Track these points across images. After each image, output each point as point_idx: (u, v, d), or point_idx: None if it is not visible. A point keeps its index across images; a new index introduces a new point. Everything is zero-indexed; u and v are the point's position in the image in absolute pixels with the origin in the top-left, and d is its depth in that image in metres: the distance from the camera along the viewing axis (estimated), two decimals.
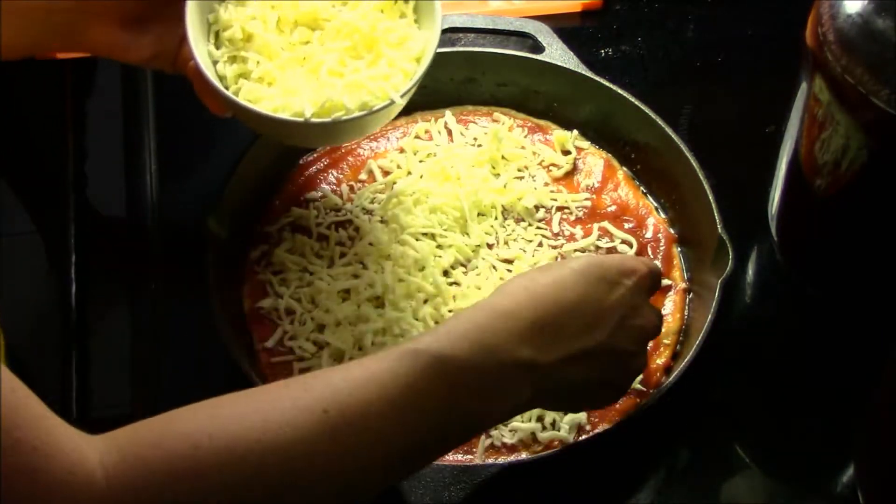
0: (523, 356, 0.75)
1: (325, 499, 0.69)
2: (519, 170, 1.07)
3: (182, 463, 0.65)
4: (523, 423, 0.91)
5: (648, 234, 1.04)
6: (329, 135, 0.92)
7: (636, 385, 0.93)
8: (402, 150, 1.08)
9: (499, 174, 1.07)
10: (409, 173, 1.06)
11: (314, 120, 0.87)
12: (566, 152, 1.09)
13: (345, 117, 0.87)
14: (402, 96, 0.89)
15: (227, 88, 0.89)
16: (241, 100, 0.88)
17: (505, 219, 1.04)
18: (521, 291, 0.78)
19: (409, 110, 1.11)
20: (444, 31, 1.12)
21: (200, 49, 0.89)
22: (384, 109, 0.89)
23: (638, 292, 0.82)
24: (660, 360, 0.96)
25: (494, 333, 0.75)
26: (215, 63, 0.91)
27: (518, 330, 0.75)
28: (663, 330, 0.97)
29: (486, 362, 0.74)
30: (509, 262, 1.01)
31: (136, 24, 0.91)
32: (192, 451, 0.65)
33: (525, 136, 1.10)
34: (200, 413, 0.68)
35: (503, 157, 1.07)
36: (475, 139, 1.09)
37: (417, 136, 1.10)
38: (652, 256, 1.03)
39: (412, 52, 0.91)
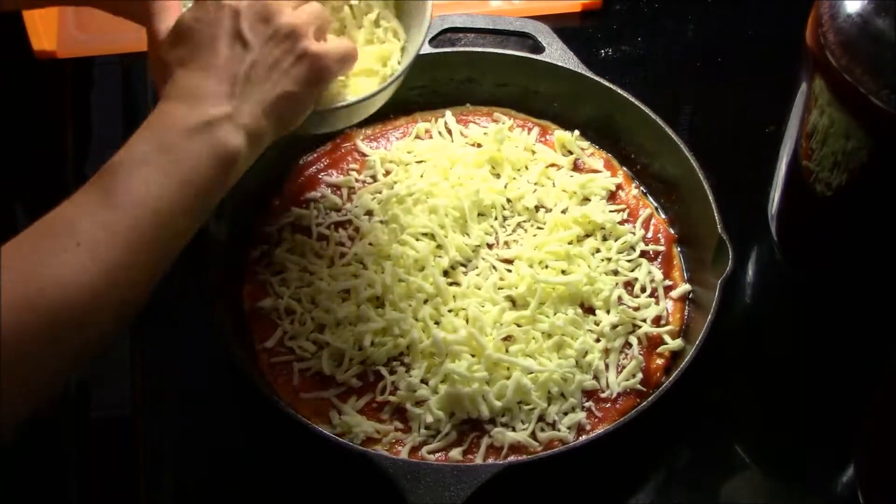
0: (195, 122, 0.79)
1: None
2: (518, 170, 1.07)
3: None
4: (523, 424, 0.91)
5: (648, 234, 1.04)
6: (319, 122, 0.93)
7: (637, 386, 0.94)
8: (402, 150, 1.08)
9: (499, 175, 1.07)
10: (409, 173, 1.06)
11: None
12: (568, 152, 1.09)
13: (335, 105, 0.89)
14: (390, 83, 0.89)
15: None
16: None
17: (505, 219, 1.04)
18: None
19: (409, 110, 1.12)
20: (444, 31, 1.12)
21: None
22: (371, 98, 0.90)
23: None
24: (660, 361, 0.96)
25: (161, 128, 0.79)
26: None
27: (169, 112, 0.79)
28: (663, 330, 0.97)
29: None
30: (509, 262, 1.01)
31: None
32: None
33: (527, 136, 1.10)
34: None
35: (506, 159, 1.07)
36: (475, 139, 1.09)
37: (417, 136, 1.10)
38: (652, 256, 1.03)
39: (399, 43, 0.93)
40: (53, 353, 0.72)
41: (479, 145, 1.08)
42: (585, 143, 1.10)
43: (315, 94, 0.86)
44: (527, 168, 1.07)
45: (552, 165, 1.08)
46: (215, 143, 0.79)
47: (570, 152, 1.09)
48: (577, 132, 1.09)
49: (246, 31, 0.82)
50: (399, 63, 0.93)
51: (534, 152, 1.09)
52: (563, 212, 1.04)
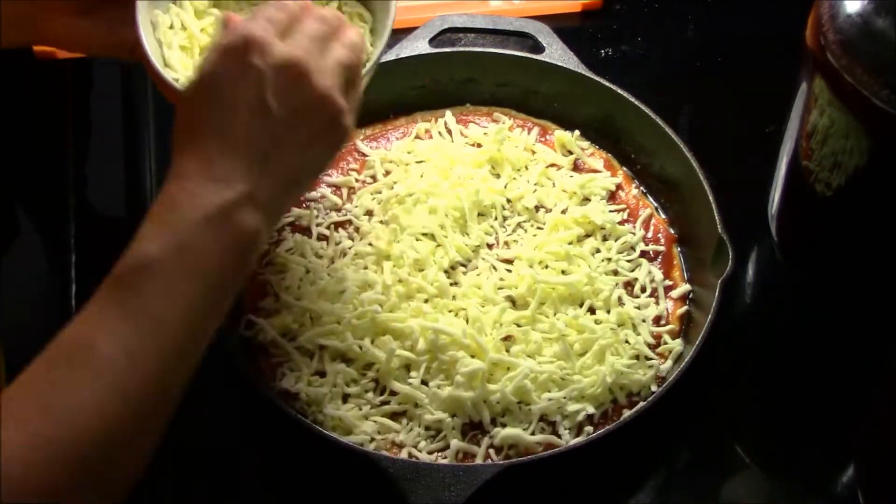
0: (214, 207, 0.73)
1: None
2: (518, 170, 1.07)
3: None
4: (523, 424, 0.91)
5: (648, 234, 1.04)
6: None
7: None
8: (402, 150, 1.08)
9: (499, 174, 1.06)
10: (409, 174, 1.06)
11: None
12: (568, 152, 1.09)
13: None
14: (369, 69, 0.88)
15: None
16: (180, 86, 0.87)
17: (505, 219, 1.04)
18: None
19: (409, 110, 1.12)
20: (444, 31, 1.12)
21: (150, 40, 0.90)
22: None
23: (264, 54, 0.75)
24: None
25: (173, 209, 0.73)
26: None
27: (191, 191, 0.73)
28: (663, 330, 0.97)
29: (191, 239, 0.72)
30: (509, 262, 1.01)
31: (93, 12, 0.91)
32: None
33: (527, 136, 1.09)
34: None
35: (506, 159, 1.07)
36: (475, 139, 1.09)
37: (417, 136, 1.10)
38: (652, 256, 1.03)
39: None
40: (73, 497, 0.66)
41: (479, 145, 1.08)
42: (586, 143, 1.10)
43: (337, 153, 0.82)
44: (527, 168, 1.07)
45: (552, 165, 1.08)
46: (234, 232, 0.73)
47: (570, 152, 1.09)
48: (577, 132, 1.09)
49: (271, 100, 0.75)
50: (372, 45, 0.93)
51: (534, 152, 1.09)
52: (563, 212, 1.04)
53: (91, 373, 0.68)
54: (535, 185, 1.06)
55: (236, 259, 0.74)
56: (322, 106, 0.78)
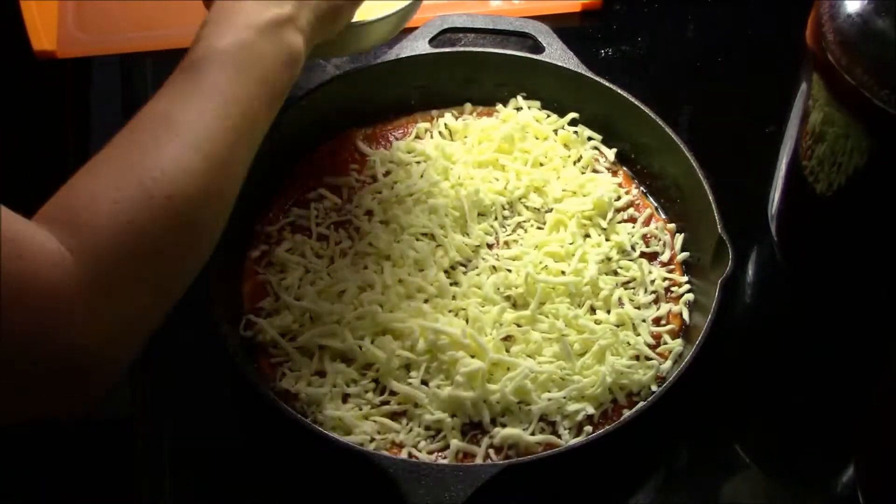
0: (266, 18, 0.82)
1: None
2: (525, 162, 1.07)
3: (122, 218, 0.71)
4: (523, 424, 0.91)
5: (648, 234, 1.04)
6: (352, 40, 0.97)
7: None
8: (402, 150, 1.08)
9: (502, 171, 1.06)
10: (409, 173, 1.06)
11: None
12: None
13: (369, 19, 0.95)
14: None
15: None
16: None
17: (505, 219, 1.04)
18: None
19: (409, 110, 1.12)
20: (444, 31, 1.12)
21: None
22: (404, 10, 0.97)
23: None
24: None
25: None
26: None
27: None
28: (663, 330, 0.97)
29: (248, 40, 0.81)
30: (509, 261, 1.01)
31: None
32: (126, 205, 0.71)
33: (545, 118, 1.10)
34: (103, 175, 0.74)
35: (521, 151, 1.07)
36: (476, 139, 1.09)
37: (417, 136, 1.10)
38: (652, 256, 1.03)
39: None
40: (173, 253, 0.74)
41: (480, 144, 1.08)
42: (589, 143, 1.10)
43: (356, 6, 0.92)
44: (541, 165, 1.07)
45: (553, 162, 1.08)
46: (283, 44, 0.83)
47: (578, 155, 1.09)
48: (580, 127, 1.09)
49: None
50: None
51: (546, 138, 1.08)
52: (564, 211, 1.04)
53: (172, 135, 0.75)
54: (536, 184, 1.06)
55: (284, 70, 0.83)
56: None
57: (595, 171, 1.08)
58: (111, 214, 0.71)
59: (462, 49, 1.15)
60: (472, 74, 1.12)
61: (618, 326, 0.97)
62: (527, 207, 1.05)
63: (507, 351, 0.95)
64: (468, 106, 1.12)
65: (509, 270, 1.00)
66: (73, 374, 0.69)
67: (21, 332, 0.66)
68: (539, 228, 1.04)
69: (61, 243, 0.69)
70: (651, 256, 1.03)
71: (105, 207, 0.71)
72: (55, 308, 0.68)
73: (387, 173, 1.07)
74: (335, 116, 1.08)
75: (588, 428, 0.92)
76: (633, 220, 1.05)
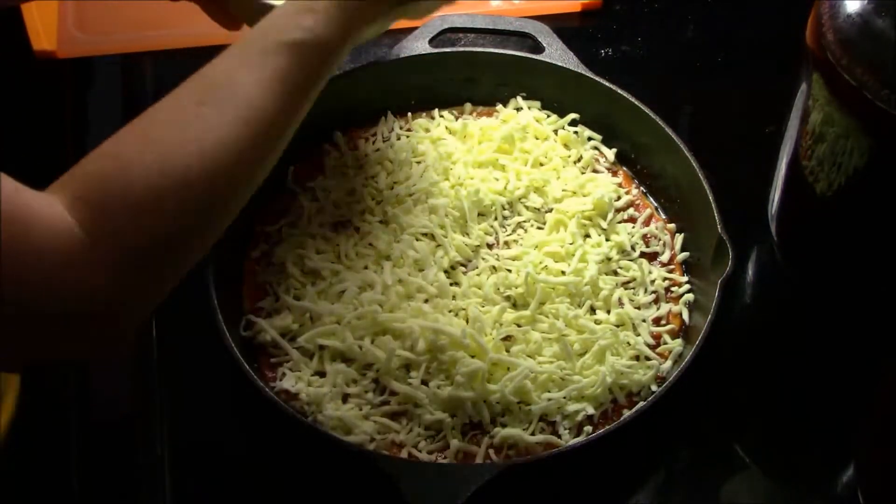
0: None
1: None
2: (525, 162, 1.07)
3: (137, 191, 0.74)
4: (523, 424, 0.91)
5: (648, 234, 1.04)
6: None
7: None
8: (402, 150, 1.08)
9: (502, 171, 1.06)
10: (409, 173, 1.06)
11: None
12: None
13: None
14: None
15: None
16: None
17: (505, 219, 1.04)
18: None
19: (409, 110, 1.12)
20: (444, 31, 1.12)
21: None
22: None
23: None
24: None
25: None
26: None
27: None
28: (663, 330, 0.97)
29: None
30: (509, 261, 1.01)
31: None
32: (137, 178, 0.74)
33: (545, 118, 1.10)
34: (128, 141, 0.77)
35: (522, 151, 1.07)
36: (476, 139, 1.09)
37: (418, 136, 1.10)
38: (652, 256, 1.03)
39: None
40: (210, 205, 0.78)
41: (480, 144, 1.08)
42: (589, 144, 1.10)
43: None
44: (541, 165, 1.07)
45: (553, 162, 1.08)
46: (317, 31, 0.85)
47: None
48: (580, 127, 1.09)
49: None
50: None
51: (546, 138, 1.08)
52: (564, 211, 1.04)
53: (233, 110, 0.78)
54: (536, 184, 1.06)
55: (322, 52, 0.85)
56: None
57: (595, 171, 1.08)
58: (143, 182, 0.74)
59: (462, 49, 1.15)
60: (472, 74, 1.12)
61: (618, 326, 0.97)
62: (527, 207, 1.05)
63: (507, 351, 0.95)
64: (468, 106, 1.12)
65: (509, 270, 1.00)
66: (84, 318, 0.72)
67: (28, 275, 0.69)
68: (539, 228, 1.04)
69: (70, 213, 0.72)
70: (651, 256, 1.03)
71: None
72: (57, 250, 0.70)
73: (387, 173, 1.07)
74: (335, 116, 1.08)
75: (588, 428, 0.92)
76: (633, 220, 1.05)
